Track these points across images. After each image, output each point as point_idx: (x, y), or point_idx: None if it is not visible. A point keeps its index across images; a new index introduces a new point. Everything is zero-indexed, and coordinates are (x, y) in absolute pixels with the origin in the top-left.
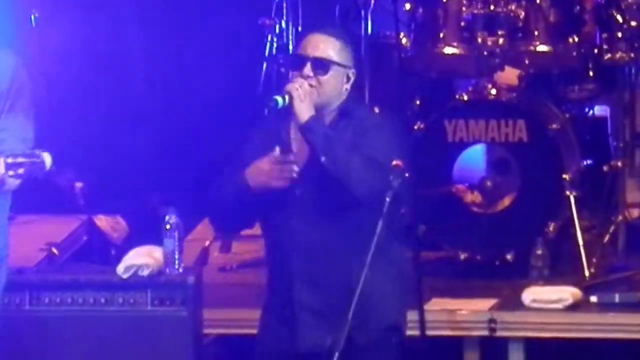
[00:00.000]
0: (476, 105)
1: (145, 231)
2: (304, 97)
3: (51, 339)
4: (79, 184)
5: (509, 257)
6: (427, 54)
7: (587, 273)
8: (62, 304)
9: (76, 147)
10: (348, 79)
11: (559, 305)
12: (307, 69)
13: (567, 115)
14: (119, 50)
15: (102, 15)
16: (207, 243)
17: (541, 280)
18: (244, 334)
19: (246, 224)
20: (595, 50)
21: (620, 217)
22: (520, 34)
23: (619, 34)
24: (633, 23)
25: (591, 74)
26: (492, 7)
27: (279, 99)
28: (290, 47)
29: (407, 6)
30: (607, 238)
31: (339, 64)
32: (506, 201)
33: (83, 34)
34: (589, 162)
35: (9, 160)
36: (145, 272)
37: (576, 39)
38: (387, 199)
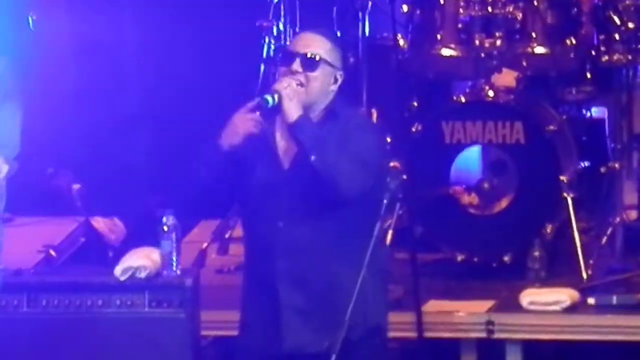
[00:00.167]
0: (473, 106)
1: (143, 233)
2: (292, 95)
3: (49, 341)
4: (76, 186)
5: (506, 258)
6: (425, 55)
7: (584, 275)
8: (59, 306)
9: (74, 149)
10: (335, 80)
11: (557, 307)
12: (296, 65)
13: (565, 117)
14: (117, 53)
15: (100, 17)
16: (204, 245)
17: (538, 282)
18: None
19: (222, 205)
20: (593, 52)
21: (617, 219)
22: (517, 36)
23: (617, 36)
24: (630, 25)
25: (589, 75)
26: (489, 9)
27: (269, 98)
28: None
29: (405, 8)
30: (604, 240)
31: (327, 63)
32: (503, 203)
33: (81, 36)
34: (586, 163)
35: None
36: (142, 274)
37: (573, 41)
38: (385, 201)
